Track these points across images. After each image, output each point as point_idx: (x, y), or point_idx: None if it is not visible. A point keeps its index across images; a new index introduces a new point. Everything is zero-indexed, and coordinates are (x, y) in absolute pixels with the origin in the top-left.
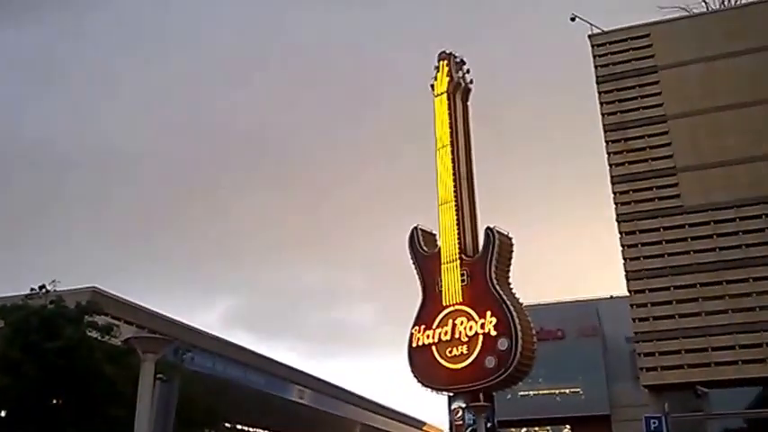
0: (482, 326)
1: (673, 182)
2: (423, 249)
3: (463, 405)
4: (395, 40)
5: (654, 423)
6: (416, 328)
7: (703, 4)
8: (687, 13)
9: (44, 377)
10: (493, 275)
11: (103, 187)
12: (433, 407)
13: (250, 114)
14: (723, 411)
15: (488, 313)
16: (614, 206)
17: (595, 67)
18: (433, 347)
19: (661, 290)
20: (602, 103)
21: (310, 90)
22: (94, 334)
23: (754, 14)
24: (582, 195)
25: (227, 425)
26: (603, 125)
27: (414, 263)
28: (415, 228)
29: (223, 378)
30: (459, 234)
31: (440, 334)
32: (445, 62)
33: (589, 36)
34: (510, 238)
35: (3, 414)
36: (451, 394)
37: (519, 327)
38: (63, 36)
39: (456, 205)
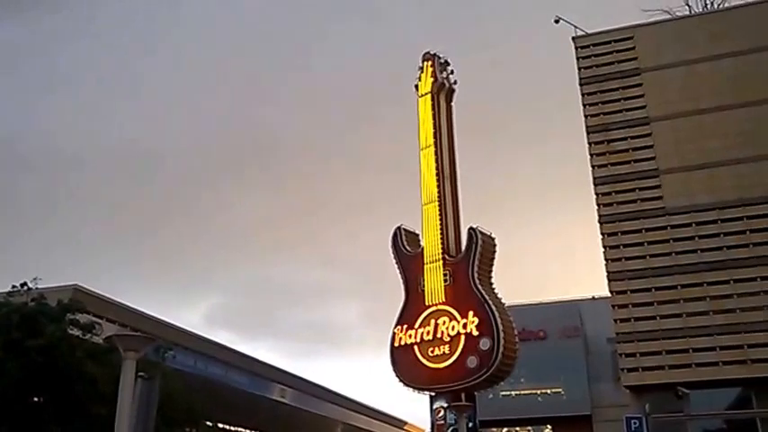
0: (464, 326)
1: (655, 183)
2: (406, 249)
3: (445, 405)
4: (388, 44)
5: (635, 423)
6: (399, 327)
7: (686, 7)
8: (670, 16)
9: (25, 375)
10: (475, 275)
11: (86, 187)
12: (414, 406)
13: (242, 115)
14: (703, 412)
15: (471, 313)
16: (596, 207)
17: (579, 68)
18: (416, 347)
19: (642, 291)
20: (585, 105)
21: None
22: (76, 332)
23: (736, 18)
24: (565, 197)
25: (208, 423)
26: (586, 127)
27: (396, 262)
28: (399, 227)
29: (204, 376)
30: (442, 234)
31: (422, 334)
32: (429, 63)
33: (573, 38)
34: (493, 239)
35: None
36: (433, 394)
37: (501, 327)
38: (63, 36)
39: (439, 205)
